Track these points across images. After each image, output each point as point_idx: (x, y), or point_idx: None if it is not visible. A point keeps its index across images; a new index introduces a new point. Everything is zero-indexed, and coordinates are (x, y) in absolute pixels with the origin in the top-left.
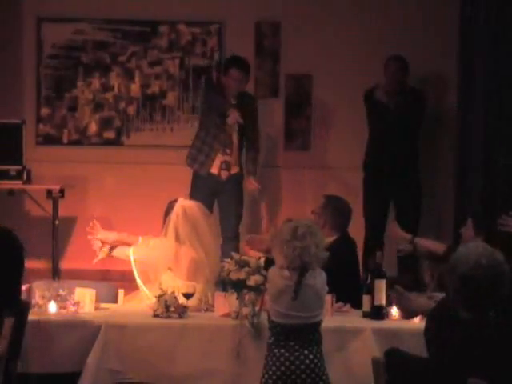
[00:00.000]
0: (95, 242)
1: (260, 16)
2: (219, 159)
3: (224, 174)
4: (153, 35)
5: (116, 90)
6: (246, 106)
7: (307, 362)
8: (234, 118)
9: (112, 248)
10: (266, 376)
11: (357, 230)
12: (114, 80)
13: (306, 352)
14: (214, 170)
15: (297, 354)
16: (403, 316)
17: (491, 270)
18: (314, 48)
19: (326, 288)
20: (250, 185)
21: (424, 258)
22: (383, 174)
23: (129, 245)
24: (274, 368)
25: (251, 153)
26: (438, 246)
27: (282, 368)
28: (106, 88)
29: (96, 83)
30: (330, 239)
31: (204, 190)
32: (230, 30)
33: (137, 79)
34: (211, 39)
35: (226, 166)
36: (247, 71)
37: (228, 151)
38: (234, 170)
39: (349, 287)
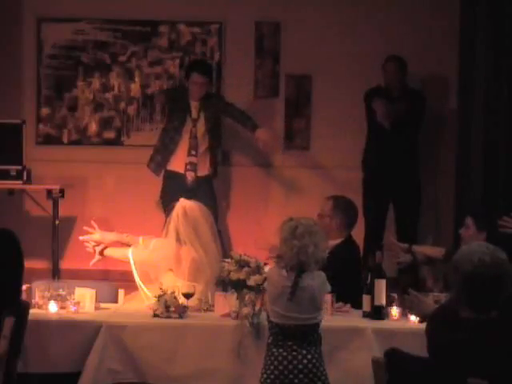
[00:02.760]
0: (88, 243)
1: (260, 16)
2: (184, 161)
3: (190, 175)
4: (153, 35)
5: (116, 89)
6: (214, 105)
7: (305, 361)
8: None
9: (104, 248)
10: (265, 375)
11: (357, 230)
12: (114, 80)
13: (304, 352)
14: (182, 171)
15: (295, 353)
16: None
17: (495, 269)
18: (314, 48)
19: (329, 288)
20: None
21: (424, 264)
22: (383, 174)
23: (128, 245)
24: (272, 367)
25: (249, 124)
26: (435, 251)
27: (280, 367)
28: (106, 88)
29: (96, 83)
30: (337, 241)
31: (173, 188)
32: (230, 30)
33: (137, 79)
34: (211, 39)
35: (191, 167)
36: (209, 75)
37: (193, 152)
38: (204, 171)
39: (350, 289)
